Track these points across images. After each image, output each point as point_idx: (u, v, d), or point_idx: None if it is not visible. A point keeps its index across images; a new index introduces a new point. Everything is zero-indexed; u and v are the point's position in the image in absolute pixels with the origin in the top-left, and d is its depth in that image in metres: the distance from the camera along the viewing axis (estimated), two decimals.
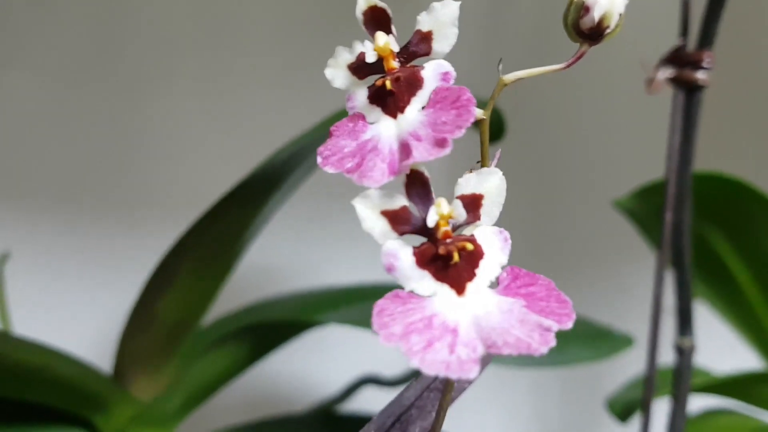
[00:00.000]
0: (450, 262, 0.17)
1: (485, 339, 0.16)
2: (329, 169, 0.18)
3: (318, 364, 0.66)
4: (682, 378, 0.39)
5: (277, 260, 0.65)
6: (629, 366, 0.54)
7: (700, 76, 0.36)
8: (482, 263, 0.17)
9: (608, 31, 0.19)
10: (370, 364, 0.60)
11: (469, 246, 0.17)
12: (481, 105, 0.21)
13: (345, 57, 0.19)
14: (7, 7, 0.61)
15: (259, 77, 0.64)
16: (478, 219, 0.18)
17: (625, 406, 0.54)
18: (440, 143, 0.17)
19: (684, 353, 0.39)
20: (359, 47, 0.19)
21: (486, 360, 0.23)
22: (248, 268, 0.54)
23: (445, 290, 0.17)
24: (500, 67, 0.19)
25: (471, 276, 0.17)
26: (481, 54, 0.61)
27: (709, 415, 0.53)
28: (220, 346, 0.47)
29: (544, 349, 0.15)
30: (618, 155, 0.64)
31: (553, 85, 0.62)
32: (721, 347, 0.61)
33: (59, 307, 0.63)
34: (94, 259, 0.64)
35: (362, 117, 0.18)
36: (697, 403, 0.54)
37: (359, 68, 0.19)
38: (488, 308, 0.16)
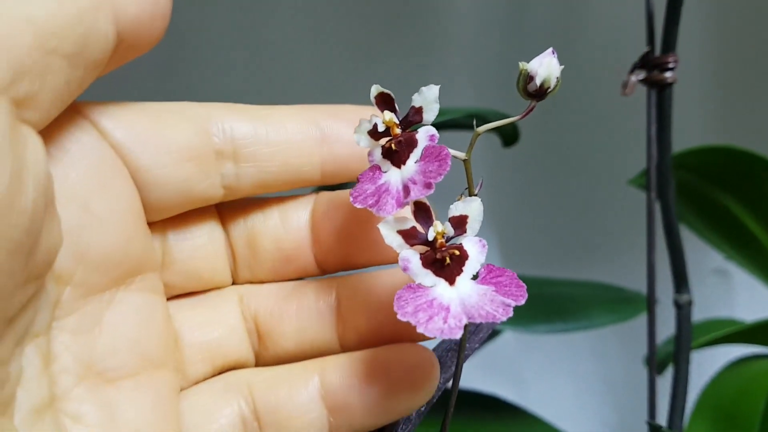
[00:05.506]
0: (445, 263, 0.24)
1: (467, 313, 0.23)
2: (358, 206, 0.25)
3: None
4: (682, 330, 0.44)
5: None
6: None
7: (667, 75, 0.41)
8: (467, 263, 0.24)
9: (550, 90, 0.25)
10: None
11: (457, 252, 0.24)
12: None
13: (365, 126, 0.26)
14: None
15: (307, 98, 0.71)
16: (465, 232, 0.25)
17: (659, 361, 0.60)
18: (428, 186, 0.24)
19: (682, 308, 0.45)
20: (375, 120, 0.26)
21: (486, 330, 0.31)
22: None
23: (441, 282, 0.24)
24: (474, 122, 0.27)
25: (459, 272, 0.24)
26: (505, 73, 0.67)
27: (743, 361, 0.56)
28: None
29: (504, 318, 0.22)
30: (623, 143, 0.69)
31: (568, 92, 0.68)
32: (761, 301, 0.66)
33: None
34: None
35: (378, 168, 0.25)
36: (735, 352, 0.58)
37: (375, 134, 0.26)
38: (470, 293, 0.24)
